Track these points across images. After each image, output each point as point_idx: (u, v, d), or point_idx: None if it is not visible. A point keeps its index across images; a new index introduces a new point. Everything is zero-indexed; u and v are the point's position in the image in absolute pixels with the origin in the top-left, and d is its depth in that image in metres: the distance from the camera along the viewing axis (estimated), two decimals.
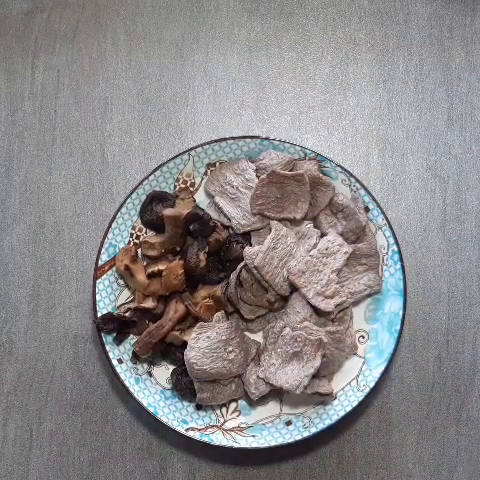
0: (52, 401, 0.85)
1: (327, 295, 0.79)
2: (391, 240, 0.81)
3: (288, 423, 0.80)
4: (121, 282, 0.83)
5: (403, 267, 0.80)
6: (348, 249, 0.81)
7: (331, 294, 0.79)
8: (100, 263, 0.81)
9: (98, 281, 0.81)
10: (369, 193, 0.82)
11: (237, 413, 0.81)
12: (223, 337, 0.78)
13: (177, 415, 0.80)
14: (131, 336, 0.82)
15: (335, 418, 0.78)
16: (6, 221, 0.89)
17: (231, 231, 0.83)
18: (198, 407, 0.81)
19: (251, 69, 0.92)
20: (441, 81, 0.91)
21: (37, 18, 0.93)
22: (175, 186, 0.84)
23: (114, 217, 0.82)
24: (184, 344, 0.80)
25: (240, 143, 0.83)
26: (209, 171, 0.85)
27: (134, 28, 0.93)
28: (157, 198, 0.83)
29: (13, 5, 0.94)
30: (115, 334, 0.81)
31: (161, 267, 0.81)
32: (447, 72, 0.91)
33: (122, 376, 0.79)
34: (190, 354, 0.78)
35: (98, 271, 0.81)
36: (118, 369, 0.79)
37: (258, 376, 0.79)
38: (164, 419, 0.79)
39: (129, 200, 0.82)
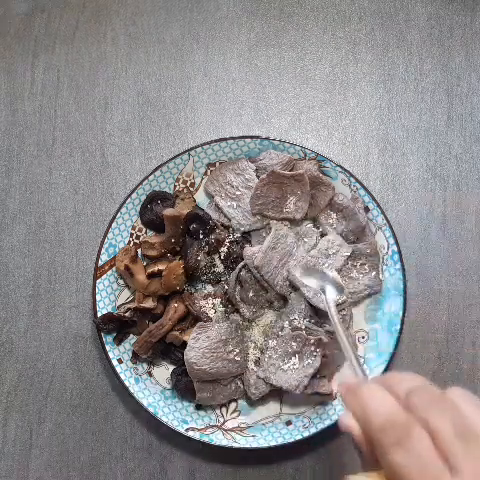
0: (52, 401, 0.85)
1: None
2: (391, 240, 0.81)
3: (288, 423, 0.80)
4: (121, 282, 0.83)
5: (403, 267, 0.80)
6: (348, 249, 0.81)
7: None
8: (100, 263, 0.81)
9: (98, 281, 0.81)
10: (369, 193, 0.82)
11: (237, 413, 0.81)
12: (223, 337, 0.78)
13: (177, 415, 0.80)
14: (131, 336, 0.82)
15: (335, 418, 0.78)
16: (6, 221, 0.89)
17: (231, 231, 0.83)
18: (198, 407, 0.81)
19: (251, 69, 0.92)
20: (441, 81, 0.91)
21: (37, 18, 0.93)
22: (175, 186, 0.84)
23: (114, 217, 0.82)
24: (184, 344, 0.80)
25: (240, 143, 0.83)
26: (209, 171, 0.85)
27: (134, 28, 0.93)
28: (157, 198, 0.83)
29: (13, 5, 0.94)
30: (115, 334, 0.81)
31: (161, 267, 0.81)
32: (447, 72, 0.91)
33: (122, 376, 0.79)
34: (190, 354, 0.78)
35: (98, 271, 0.81)
36: (118, 369, 0.79)
37: (258, 376, 0.79)
38: (164, 419, 0.78)
39: (129, 200, 0.82)
